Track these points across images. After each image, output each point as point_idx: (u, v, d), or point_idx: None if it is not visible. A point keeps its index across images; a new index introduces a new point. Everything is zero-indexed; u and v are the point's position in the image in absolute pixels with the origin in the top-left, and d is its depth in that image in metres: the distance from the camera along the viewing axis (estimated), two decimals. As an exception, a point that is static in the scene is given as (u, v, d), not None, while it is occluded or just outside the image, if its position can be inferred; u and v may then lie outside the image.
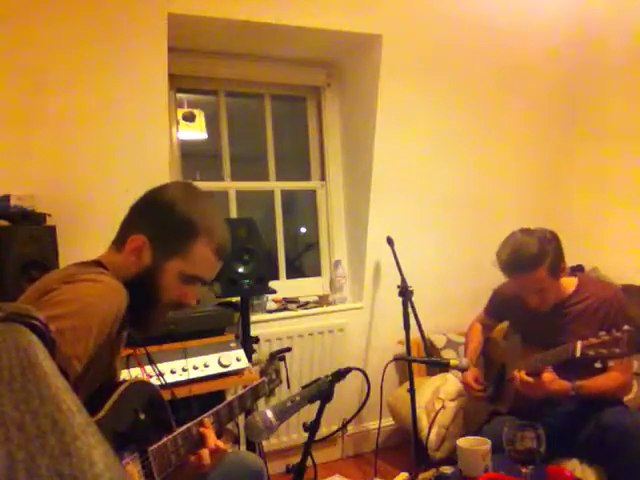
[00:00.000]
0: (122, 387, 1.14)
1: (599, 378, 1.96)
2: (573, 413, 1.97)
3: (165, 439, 1.17)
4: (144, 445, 1.12)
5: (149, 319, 1.28)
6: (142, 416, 1.15)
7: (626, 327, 1.77)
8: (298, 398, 1.42)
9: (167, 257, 1.23)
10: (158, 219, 1.24)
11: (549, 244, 1.96)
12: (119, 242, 1.26)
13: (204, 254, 1.25)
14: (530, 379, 1.91)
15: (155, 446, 1.14)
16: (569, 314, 2.06)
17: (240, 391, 1.53)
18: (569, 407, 1.99)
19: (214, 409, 1.34)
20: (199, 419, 1.27)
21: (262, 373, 1.63)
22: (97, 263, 1.24)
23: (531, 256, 1.92)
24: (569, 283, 2.09)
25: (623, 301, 2.03)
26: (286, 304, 3.13)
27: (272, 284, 2.71)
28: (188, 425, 1.24)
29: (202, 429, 1.25)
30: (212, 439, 1.25)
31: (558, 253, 1.98)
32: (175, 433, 1.20)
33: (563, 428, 1.94)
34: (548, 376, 1.90)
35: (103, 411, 1.07)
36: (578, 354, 1.81)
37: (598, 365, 1.80)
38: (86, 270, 1.17)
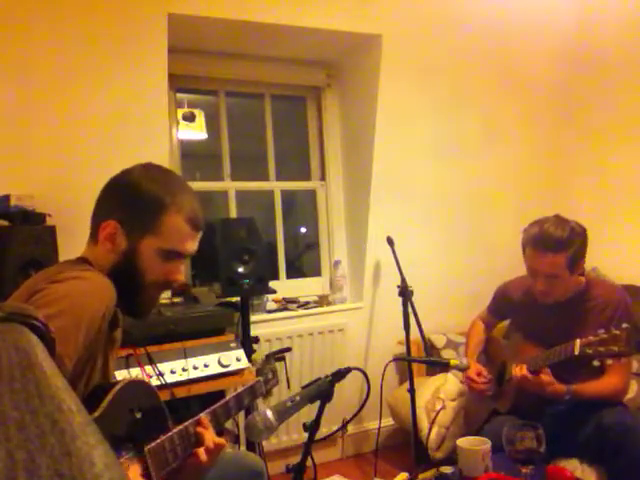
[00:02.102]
0: (118, 387, 1.13)
1: (596, 382, 1.96)
2: (573, 413, 1.97)
3: (162, 438, 1.17)
4: (141, 444, 1.12)
5: (140, 303, 1.28)
6: (138, 415, 1.15)
7: (625, 325, 1.77)
8: (298, 398, 1.42)
9: (141, 236, 1.23)
10: (125, 201, 1.25)
11: (578, 237, 1.97)
12: (93, 234, 1.27)
13: (176, 225, 1.25)
14: (529, 376, 1.92)
15: (152, 445, 1.14)
16: (575, 313, 2.06)
17: (237, 390, 1.53)
18: (569, 407, 1.99)
19: (211, 408, 1.34)
20: (196, 418, 1.27)
21: (258, 373, 1.63)
22: (82, 260, 1.24)
23: (559, 238, 1.94)
24: (577, 282, 2.09)
25: (629, 303, 2.03)
26: (286, 304, 3.13)
27: (272, 284, 2.71)
28: (185, 424, 1.24)
29: (199, 428, 1.25)
30: (209, 438, 1.24)
31: (582, 249, 1.99)
32: (172, 432, 1.20)
33: (563, 428, 1.94)
34: (546, 378, 1.90)
35: (99, 410, 1.06)
36: (577, 352, 1.81)
37: (597, 363, 1.80)
38: (72, 268, 1.18)
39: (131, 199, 1.24)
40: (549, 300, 2.06)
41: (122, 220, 1.22)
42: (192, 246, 1.30)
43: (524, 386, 1.96)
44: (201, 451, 1.22)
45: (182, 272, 1.31)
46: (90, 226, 1.29)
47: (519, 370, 1.95)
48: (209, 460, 1.22)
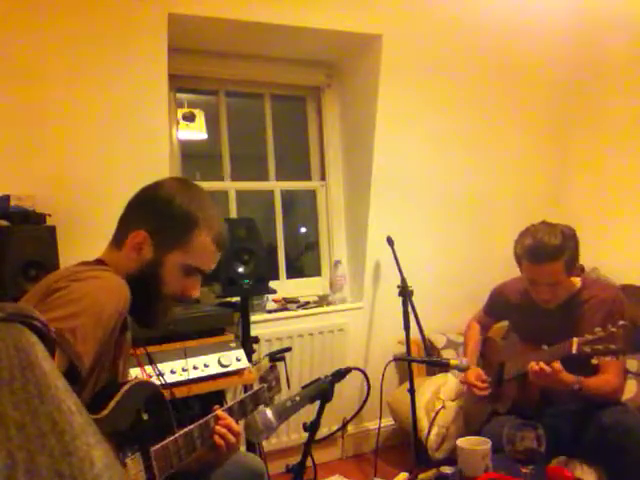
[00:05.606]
0: (126, 387, 1.15)
1: (595, 378, 1.95)
2: (573, 413, 1.97)
3: (167, 440, 1.18)
4: (146, 445, 1.13)
5: (153, 313, 1.30)
6: (145, 416, 1.16)
7: (622, 322, 1.77)
8: (298, 398, 1.42)
9: (168, 250, 1.25)
10: (158, 213, 1.27)
11: (570, 241, 1.98)
12: (119, 239, 1.28)
13: (204, 244, 1.28)
14: (546, 367, 1.87)
15: (158, 446, 1.15)
16: (571, 313, 2.06)
17: (240, 395, 1.55)
18: (569, 407, 1.99)
19: (214, 413, 1.36)
20: (200, 422, 1.29)
21: (262, 380, 1.64)
22: (98, 262, 1.27)
23: (555, 246, 1.94)
24: (573, 282, 2.09)
25: (624, 302, 2.03)
26: (286, 304, 3.13)
27: (272, 284, 2.70)
28: (190, 427, 1.26)
29: (220, 413, 1.35)
30: (233, 421, 1.36)
31: (575, 251, 2.00)
32: (177, 435, 1.21)
33: (563, 428, 1.94)
34: (557, 366, 1.88)
35: (107, 410, 1.08)
36: (574, 351, 1.81)
37: (595, 361, 1.80)
38: (90, 268, 1.20)
39: (164, 213, 1.26)
40: (552, 304, 2.07)
41: (152, 232, 1.24)
42: (213, 265, 1.33)
43: (539, 379, 1.91)
44: (227, 433, 1.33)
45: (198, 288, 1.33)
46: (116, 232, 1.31)
47: (535, 364, 1.90)
48: (236, 443, 1.34)
